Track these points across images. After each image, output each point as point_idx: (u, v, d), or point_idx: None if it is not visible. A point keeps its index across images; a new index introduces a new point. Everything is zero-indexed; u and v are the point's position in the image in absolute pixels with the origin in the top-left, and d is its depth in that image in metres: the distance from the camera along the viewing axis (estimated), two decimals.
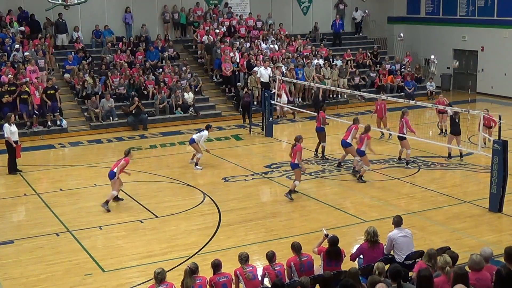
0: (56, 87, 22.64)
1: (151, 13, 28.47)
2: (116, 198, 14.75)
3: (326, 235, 9.78)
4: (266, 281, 9.11)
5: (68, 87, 24.67)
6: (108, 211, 14.11)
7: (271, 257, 9.23)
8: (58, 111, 22.60)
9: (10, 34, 24.88)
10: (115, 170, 14.34)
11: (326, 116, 18.40)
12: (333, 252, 9.43)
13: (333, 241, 9.55)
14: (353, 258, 9.82)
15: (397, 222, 10.05)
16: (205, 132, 17.56)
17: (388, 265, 8.67)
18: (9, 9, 25.77)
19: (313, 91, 26.01)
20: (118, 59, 25.45)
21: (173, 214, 14.01)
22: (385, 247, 9.87)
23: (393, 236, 9.86)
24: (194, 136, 17.61)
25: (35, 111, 22.05)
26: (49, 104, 22.12)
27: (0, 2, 25.96)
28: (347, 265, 9.72)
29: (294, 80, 24.43)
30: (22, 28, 25.55)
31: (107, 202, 14.28)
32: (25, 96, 21.72)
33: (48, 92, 22.16)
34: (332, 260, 9.40)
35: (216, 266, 8.89)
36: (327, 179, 16.54)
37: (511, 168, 14.04)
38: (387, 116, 20.36)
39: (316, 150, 18.40)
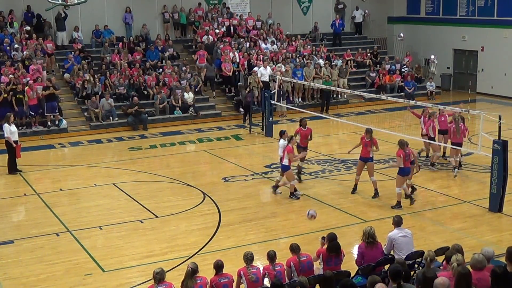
0: (56, 86, 22.58)
1: (151, 13, 28.46)
2: (294, 193, 14.76)
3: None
4: (266, 281, 9.11)
5: (68, 87, 24.67)
6: (298, 198, 14.68)
7: (272, 256, 9.20)
8: (57, 111, 22.59)
9: (11, 33, 24.85)
10: (284, 162, 14.47)
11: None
12: (332, 247, 9.39)
13: (332, 237, 9.55)
14: (358, 263, 9.63)
15: (397, 222, 10.07)
16: (281, 141, 15.43)
17: (389, 265, 8.66)
18: (11, 9, 25.70)
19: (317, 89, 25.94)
20: (118, 59, 25.43)
21: (173, 214, 14.01)
22: (385, 247, 9.87)
23: (393, 236, 9.86)
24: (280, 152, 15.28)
25: (30, 112, 22.00)
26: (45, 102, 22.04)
27: (2, 2, 25.93)
28: (347, 265, 9.73)
29: (294, 80, 24.41)
30: (28, 28, 25.52)
31: (291, 193, 14.73)
32: (20, 96, 21.62)
33: (47, 91, 22.07)
34: (332, 257, 9.38)
35: (219, 267, 8.85)
36: (327, 179, 16.53)
37: (511, 168, 14.05)
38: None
39: None
